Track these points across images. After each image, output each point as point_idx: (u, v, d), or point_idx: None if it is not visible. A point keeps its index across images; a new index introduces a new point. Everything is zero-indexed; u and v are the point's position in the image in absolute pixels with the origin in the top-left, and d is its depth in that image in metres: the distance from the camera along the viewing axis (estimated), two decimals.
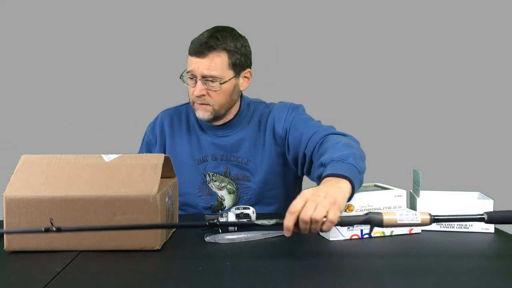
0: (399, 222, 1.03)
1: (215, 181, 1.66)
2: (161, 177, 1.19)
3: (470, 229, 1.33)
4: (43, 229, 1.03)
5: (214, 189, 1.67)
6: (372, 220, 1.04)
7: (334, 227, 1.11)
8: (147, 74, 2.64)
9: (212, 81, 1.54)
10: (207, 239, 1.25)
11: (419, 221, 1.03)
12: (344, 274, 1.03)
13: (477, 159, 2.64)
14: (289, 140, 1.60)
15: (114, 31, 2.62)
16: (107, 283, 0.99)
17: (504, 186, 2.40)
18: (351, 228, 1.25)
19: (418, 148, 2.64)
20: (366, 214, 1.05)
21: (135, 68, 2.64)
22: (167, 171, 1.31)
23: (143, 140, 1.79)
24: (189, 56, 1.55)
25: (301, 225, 1.03)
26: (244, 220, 1.27)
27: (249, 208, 1.31)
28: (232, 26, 1.61)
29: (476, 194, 1.44)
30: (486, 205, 1.33)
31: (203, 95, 1.55)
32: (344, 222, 1.05)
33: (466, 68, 2.68)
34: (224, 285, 0.97)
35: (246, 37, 1.63)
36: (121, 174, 1.19)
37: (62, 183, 1.17)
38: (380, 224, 1.03)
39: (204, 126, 1.68)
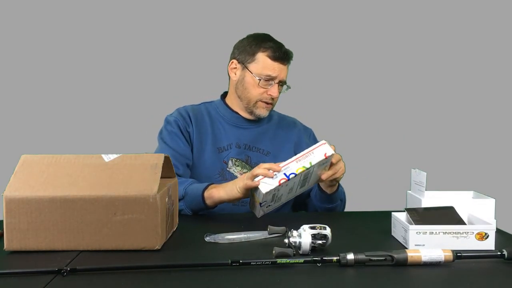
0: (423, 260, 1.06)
1: (238, 166, 1.71)
2: (161, 177, 1.19)
3: None
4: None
5: (236, 174, 1.70)
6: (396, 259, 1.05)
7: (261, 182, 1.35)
8: (147, 75, 2.64)
9: (282, 85, 1.72)
10: (207, 239, 1.25)
11: (442, 259, 1.06)
12: (345, 273, 1.03)
13: (474, 159, 2.64)
14: None
15: (115, 31, 2.62)
16: (107, 283, 0.99)
17: (502, 186, 2.40)
18: (276, 174, 1.36)
19: (418, 148, 2.64)
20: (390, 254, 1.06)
21: (135, 68, 2.64)
22: (167, 171, 1.31)
23: (171, 132, 1.70)
24: (271, 61, 1.68)
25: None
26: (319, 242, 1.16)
27: (325, 228, 1.18)
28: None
29: (479, 194, 1.43)
30: (487, 204, 1.33)
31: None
32: (366, 261, 1.06)
33: (463, 70, 2.68)
34: (224, 285, 0.97)
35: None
36: (121, 174, 1.19)
37: (62, 183, 1.17)
38: (404, 262, 1.05)
39: (229, 117, 1.75)
